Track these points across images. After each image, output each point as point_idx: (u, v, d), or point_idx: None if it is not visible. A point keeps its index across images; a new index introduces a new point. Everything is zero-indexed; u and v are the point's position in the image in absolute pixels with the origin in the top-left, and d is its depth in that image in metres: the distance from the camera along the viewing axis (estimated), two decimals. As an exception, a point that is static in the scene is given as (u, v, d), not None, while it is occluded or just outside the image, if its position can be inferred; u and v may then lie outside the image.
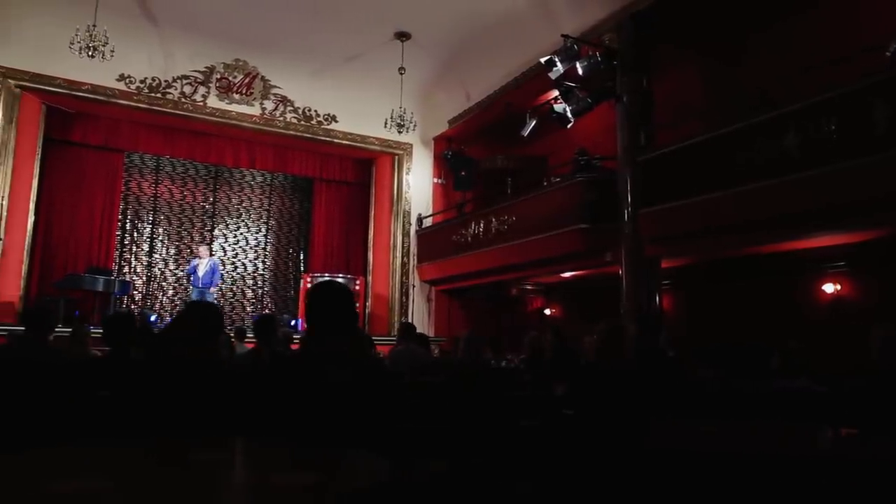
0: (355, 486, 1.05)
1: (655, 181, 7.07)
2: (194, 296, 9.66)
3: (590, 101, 7.52)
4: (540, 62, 8.97)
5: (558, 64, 7.48)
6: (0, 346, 3.88)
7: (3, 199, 8.69)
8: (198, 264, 9.74)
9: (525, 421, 2.33)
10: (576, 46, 7.52)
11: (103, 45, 7.61)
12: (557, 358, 4.71)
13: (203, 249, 10.19)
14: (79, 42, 7.50)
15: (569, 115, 7.55)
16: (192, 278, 9.82)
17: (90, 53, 7.55)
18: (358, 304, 10.36)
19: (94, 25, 7.59)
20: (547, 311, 11.50)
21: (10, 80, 8.81)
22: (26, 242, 9.15)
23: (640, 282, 7.34)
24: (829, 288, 7.37)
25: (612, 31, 7.91)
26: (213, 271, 9.69)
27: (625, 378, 2.54)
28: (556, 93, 9.29)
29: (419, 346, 5.59)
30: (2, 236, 8.65)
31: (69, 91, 9.21)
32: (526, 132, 9.39)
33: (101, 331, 3.81)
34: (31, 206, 9.26)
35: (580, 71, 7.56)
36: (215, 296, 10.25)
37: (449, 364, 5.02)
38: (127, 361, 2.16)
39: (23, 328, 3.46)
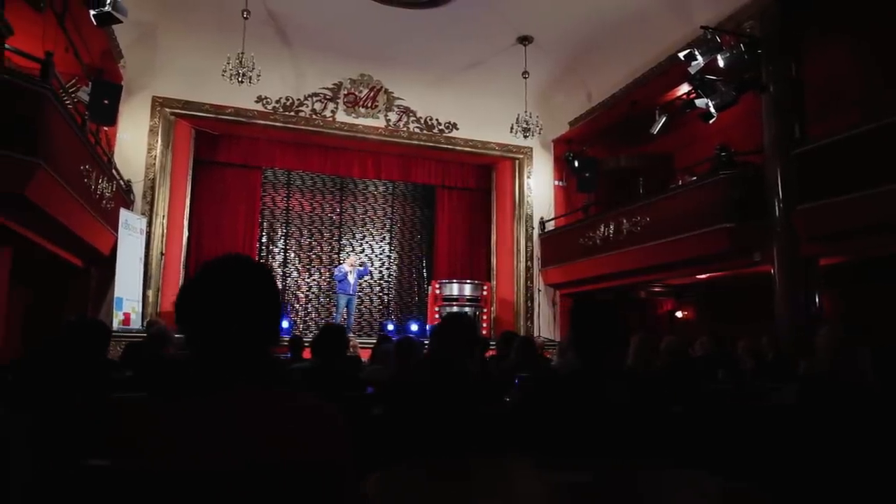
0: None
1: (813, 175, 6.61)
2: (342, 302, 10.16)
3: (734, 93, 7.16)
4: (671, 57, 8.73)
5: (698, 57, 7.17)
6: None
7: (164, 218, 9.47)
8: (348, 272, 10.18)
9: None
10: (717, 37, 7.18)
11: (250, 71, 8.14)
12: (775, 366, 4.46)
13: (353, 258, 10.68)
14: (230, 70, 8.05)
15: (712, 109, 7.23)
16: (340, 284, 10.23)
17: (240, 80, 8.09)
18: (486, 310, 10.44)
19: (242, 53, 8.13)
20: (678, 314, 11.07)
21: (166, 109, 9.61)
22: (182, 257, 9.94)
23: (795, 282, 6.91)
24: None
25: (753, 19, 7.50)
26: (359, 277, 10.27)
27: (869, 392, 2.37)
28: (684, 88, 9.00)
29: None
30: (163, 251, 9.44)
31: (215, 115, 9.92)
32: (656, 129, 9.14)
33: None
34: (185, 222, 10.06)
35: (721, 63, 7.22)
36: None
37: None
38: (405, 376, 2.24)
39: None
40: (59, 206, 5.86)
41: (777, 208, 7.01)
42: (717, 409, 2.94)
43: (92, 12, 5.57)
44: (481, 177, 11.99)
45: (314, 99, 10.49)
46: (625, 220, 9.12)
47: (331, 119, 10.54)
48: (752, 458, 2.47)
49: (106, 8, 5.45)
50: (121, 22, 5.87)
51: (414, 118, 10.94)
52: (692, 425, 2.53)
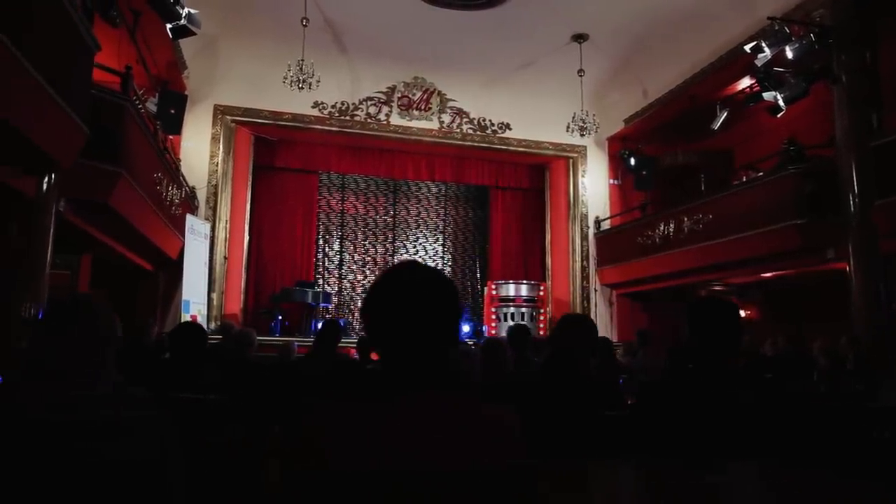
0: None
1: (892, 168, 6.34)
2: None
3: (804, 84, 6.93)
4: (732, 50, 8.55)
5: (765, 49, 6.97)
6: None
7: (226, 223, 9.73)
8: None
9: None
10: (785, 28, 6.97)
11: (310, 77, 8.28)
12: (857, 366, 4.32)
13: (405, 259, 10.74)
14: (291, 77, 8.21)
15: (780, 102, 7.02)
16: None
17: (300, 86, 8.25)
18: (542, 311, 10.37)
19: (303, 60, 8.28)
20: (742, 313, 10.77)
21: (227, 117, 9.87)
22: (243, 260, 10.19)
23: (874, 280, 6.64)
24: None
25: (823, 7, 7.24)
26: None
27: None
28: (745, 81, 8.76)
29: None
30: (226, 255, 9.70)
31: (273, 121, 10.14)
32: (717, 125, 8.93)
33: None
34: (246, 227, 10.30)
35: (790, 54, 7.00)
36: None
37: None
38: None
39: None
40: (136, 213, 6.09)
41: (852, 203, 6.75)
42: (819, 409, 2.86)
43: (168, 26, 5.78)
44: (535, 176, 11.93)
45: (369, 103, 10.61)
46: (686, 218, 8.93)
47: (385, 122, 10.64)
48: (867, 459, 2.39)
49: (181, 21, 5.65)
50: (195, 34, 6.07)
51: (467, 119, 10.96)
52: (799, 425, 2.46)
